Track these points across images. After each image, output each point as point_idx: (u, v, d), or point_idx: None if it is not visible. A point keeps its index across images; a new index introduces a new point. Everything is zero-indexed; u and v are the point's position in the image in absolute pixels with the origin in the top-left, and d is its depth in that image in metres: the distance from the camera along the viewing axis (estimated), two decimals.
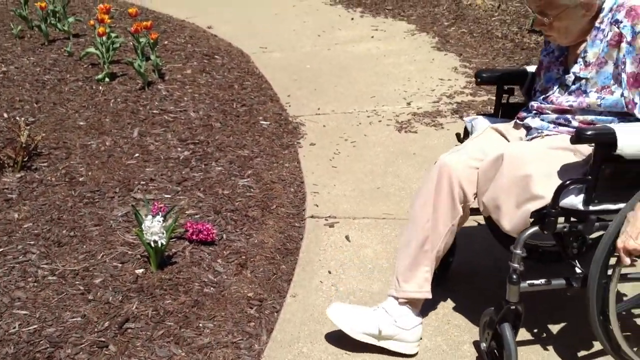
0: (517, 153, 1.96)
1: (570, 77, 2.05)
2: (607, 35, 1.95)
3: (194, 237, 2.73)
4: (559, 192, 1.85)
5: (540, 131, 2.10)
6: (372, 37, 5.57)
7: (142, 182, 3.20)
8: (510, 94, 2.38)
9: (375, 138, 3.80)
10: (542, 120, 2.12)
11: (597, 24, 1.98)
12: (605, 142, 1.79)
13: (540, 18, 2.00)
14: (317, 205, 3.11)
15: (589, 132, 1.80)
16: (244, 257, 2.71)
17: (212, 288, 2.51)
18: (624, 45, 1.90)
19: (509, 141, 2.18)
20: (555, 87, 2.11)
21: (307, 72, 4.81)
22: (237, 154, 3.54)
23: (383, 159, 3.54)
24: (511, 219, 1.93)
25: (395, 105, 4.22)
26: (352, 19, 6.08)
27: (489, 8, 5.94)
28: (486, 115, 2.42)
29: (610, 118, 1.97)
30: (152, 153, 3.50)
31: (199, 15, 6.17)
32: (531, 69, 2.36)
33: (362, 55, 5.12)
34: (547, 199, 1.86)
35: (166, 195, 3.10)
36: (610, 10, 1.96)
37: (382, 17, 6.07)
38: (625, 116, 1.95)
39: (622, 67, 1.91)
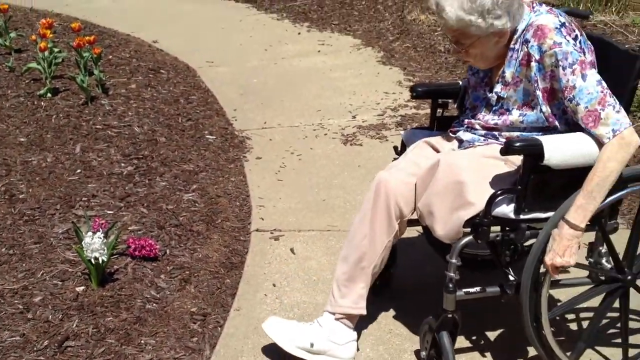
0: (452, 160, 2.02)
1: (493, 97, 2.12)
2: (519, 55, 2.03)
3: (137, 253, 2.71)
4: (491, 202, 1.90)
5: (471, 143, 2.17)
6: (319, 51, 5.62)
7: (84, 199, 3.16)
8: (444, 108, 2.45)
9: (321, 151, 3.83)
10: (473, 134, 2.19)
11: (511, 46, 2.05)
12: (533, 153, 1.86)
13: (455, 47, 2.08)
14: (263, 219, 3.12)
15: (517, 144, 1.88)
16: (187, 272, 2.70)
17: (154, 304, 2.49)
18: (533, 64, 1.98)
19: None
20: (481, 106, 2.19)
21: (253, 86, 4.82)
22: (182, 169, 3.52)
23: (329, 172, 3.57)
24: (444, 224, 1.97)
25: (341, 118, 4.26)
26: (299, 33, 6.12)
27: (432, 23, 6.06)
28: (422, 128, 2.49)
29: (534, 134, 2.03)
30: (95, 169, 3.46)
31: (144, 30, 6.12)
32: (464, 83, 2.42)
33: (308, 69, 5.16)
34: (479, 206, 1.92)
35: (108, 212, 3.07)
36: (523, 31, 2.02)
37: (329, 32, 6.13)
38: (549, 130, 2.03)
39: (536, 84, 2.00)
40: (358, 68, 5.19)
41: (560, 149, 1.87)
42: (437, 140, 2.29)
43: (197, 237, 2.94)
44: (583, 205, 1.85)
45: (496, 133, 2.13)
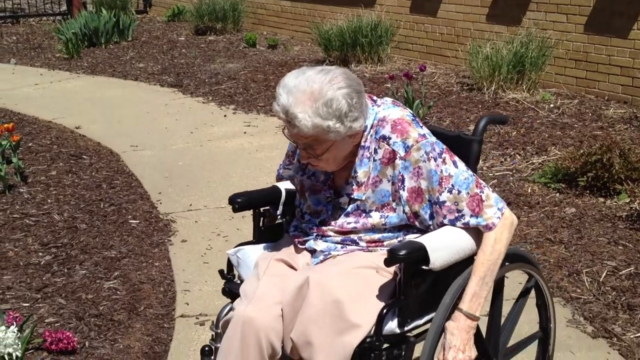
0: (321, 279, 1.82)
1: (344, 200, 1.96)
2: (375, 152, 1.90)
3: (53, 346, 2.58)
4: (382, 320, 1.75)
5: (327, 253, 1.97)
6: (245, 132, 5.66)
7: None
8: (266, 216, 2.20)
9: (248, 232, 3.76)
10: (326, 241, 1.99)
11: (362, 143, 1.92)
12: (418, 259, 1.76)
13: (305, 153, 1.90)
14: (188, 304, 3.03)
15: (401, 253, 1.73)
16: None
17: None
18: (398, 161, 1.87)
19: (297, 270, 1.99)
20: (328, 210, 2.00)
21: (179, 169, 4.79)
22: (104, 256, 3.42)
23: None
24: (328, 355, 1.74)
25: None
26: (225, 116, 6.16)
27: None
28: (248, 243, 2.18)
29: (396, 234, 1.94)
30: (11, 259, 3.32)
31: (67, 116, 6.05)
32: (284, 185, 2.19)
33: (235, 150, 5.18)
34: (366, 327, 1.75)
35: (24, 304, 2.93)
36: (372, 126, 1.91)
37: (254, 114, 6.20)
38: (410, 228, 1.94)
39: (400, 184, 1.88)
40: (284, 148, 5.21)
41: (443, 250, 1.79)
42: (287, 255, 2.02)
43: (118, 327, 2.82)
44: (477, 293, 1.80)
45: (354, 237, 1.96)
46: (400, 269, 1.78)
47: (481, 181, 1.89)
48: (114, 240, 3.61)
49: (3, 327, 2.38)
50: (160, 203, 4.18)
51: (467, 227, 1.87)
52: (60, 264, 3.30)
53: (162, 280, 3.23)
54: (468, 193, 1.84)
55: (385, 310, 1.75)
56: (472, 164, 2.03)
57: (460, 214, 1.85)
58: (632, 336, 2.75)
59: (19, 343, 2.38)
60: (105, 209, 4.01)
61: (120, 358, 2.61)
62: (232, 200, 2.11)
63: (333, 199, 2.00)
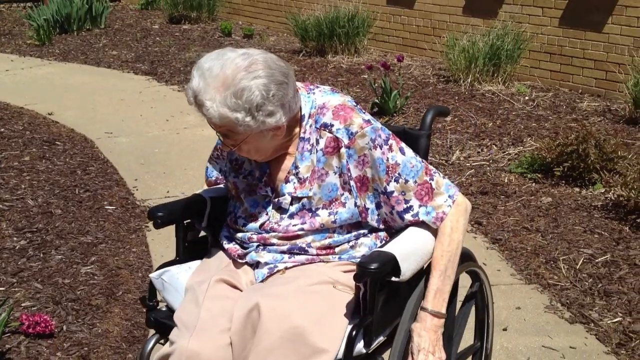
0: (274, 302, 1.60)
1: (285, 199, 1.75)
2: (318, 143, 1.73)
3: (31, 330, 2.53)
4: (352, 343, 1.59)
5: (273, 266, 1.76)
6: None
7: None
8: (190, 229, 1.94)
9: None
10: (270, 251, 1.77)
11: (301, 135, 1.74)
12: (389, 271, 1.62)
13: (225, 141, 1.72)
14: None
15: (373, 266, 1.56)
16: (86, 348, 2.54)
17: None
18: (343, 150, 1.70)
19: (242, 290, 1.75)
20: (267, 212, 1.78)
21: (155, 156, 4.73)
22: (80, 241, 3.36)
23: None
24: None
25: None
26: None
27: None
28: (171, 263, 1.90)
29: (346, 236, 1.76)
30: None
31: (39, 102, 5.94)
32: (208, 193, 1.96)
33: (211, 138, 5.09)
34: (333, 351, 1.58)
35: (0, 288, 2.87)
36: (310, 116, 1.74)
37: None
38: (360, 229, 1.78)
39: (349, 174, 1.71)
40: None
41: (410, 257, 1.65)
42: (227, 273, 1.77)
43: (97, 312, 2.78)
44: (440, 288, 1.67)
45: (302, 244, 1.74)
46: (365, 283, 1.61)
47: (431, 167, 1.76)
48: (90, 225, 3.55)
49: None
50: (137, 190, 4.13)
51: (418, 222, 1.74)
52: (35, 248, 3.24)
53: (140, 266, 3.19)
54: (416, 182, 1.71)
55: (354, 331, 1.59)
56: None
57: (408, 205, 1.72)
58: (608, 322, 2.79)
59: None
60: (81, 194, 3.95)
61: (99, 342, 2.58)
62: (152, 215, 1.83)
63: (271, 197, 1.78)
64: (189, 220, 1.92)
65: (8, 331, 2.54)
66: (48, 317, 2.57)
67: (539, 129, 5.03)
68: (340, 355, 1.59)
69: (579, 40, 5.92)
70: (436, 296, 1.67)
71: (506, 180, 4.21)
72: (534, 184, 4.13)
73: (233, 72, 1.60)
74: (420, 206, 1.72)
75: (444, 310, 1.68)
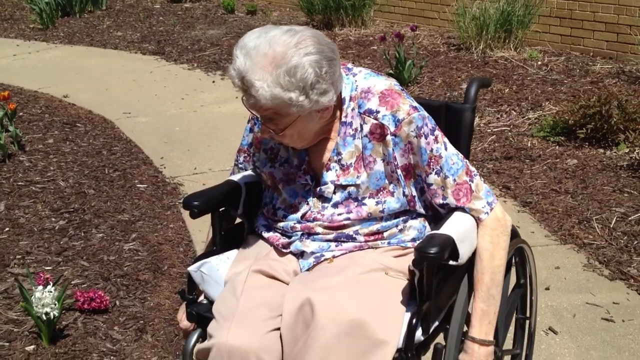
0: (326, 296, 1.52)
1: (328, 188, 1.66)
2: (361, 128, 1.64)
3: (86, 306, 2.57)
4: (413, 332, 1.52)
5: (319, 255, 1.67)
6: (237, 97, 5.61)
7: (17, 256, 2.98)
8: (226, 218, 1.87)
9: None
10: (315, 240, 1.68)
11: (343, 119, 1.64)
12: (448, 255, 1.55)
13: (266, 127, 1.61)
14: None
15: (433, 250, 1.48)
16: (142, 321, 2.58)
17: (112, 357, 2.37)
18: (389, 138, 1.61)
19: (281, 281, 1.67)
20: (308, 202, 1.69)
21: (177, 134, 4.75)
22: (118, 219, 3.40)
23: None
24: None
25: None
26: (214, 82, 6.11)
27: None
28: (209, 255, 1.81)
29: (395, 221, 1.69)
30: (24, 226, 3.28)
31: (52, 85, 5.93)
32: (242, 179, 1.85)
33: (230, 115, 5.14)
34: (393, 342, 1.50)
35: (47, 267, 2.91)
36: (351, 99, 1.64)
37: None
38: (407, 214, 1.71)
39: (395, 162, 1.62)
40: None
41: (465, 240, 1.58)
42: (266, 264, 1.68)
43: (146, 286, 2.82)
44: (485, 311, 1.58)
45: (349, 232, 1.66)
46: (422, 268, 1.54)
47: (472, 169, 1.66)
48: (125, 204, 3.58)
49: (40, 287, 2.36)
50: (165, 167, 4.15)
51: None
52: (75, 228, 3.27)
53: (180, 241, 3.23)
54: (455, 180, 1.62)
55: (414, 319, 1.52)
56: (465, 135, 1.83)
57: (445, 201, 1.65)
58: None
59: (56, 302, 2.36)
60: (111, 174, 3.97)
61: (153, 315, 2.62)
62: (188, 204, 1.74)
63: (311, 187, 1.69)
64: (223, 209, 1.83)
65: (63, 308, 2.57)
66: (102, 293, 2.61)
67: (555, 92, 5.05)
68: (401, 344, 1.53)
69: (589, 3, 5.92)
70: (482, 321, 1.58)
71: (529, 145, 4.24)
72: (557, 147, 4.17)
73: (283, 49, 1.49)
74: (456, 207, 1.64)
75: (491, 337, 1.58)
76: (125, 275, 2.88)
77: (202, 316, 1.71)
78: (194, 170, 4.11)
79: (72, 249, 3.08)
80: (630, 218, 3.29)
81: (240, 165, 1.89)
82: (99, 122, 4.98)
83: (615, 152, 4.02)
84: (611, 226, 3.24)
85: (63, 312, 2.57)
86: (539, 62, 5.81)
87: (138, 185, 3.83)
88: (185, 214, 3.51)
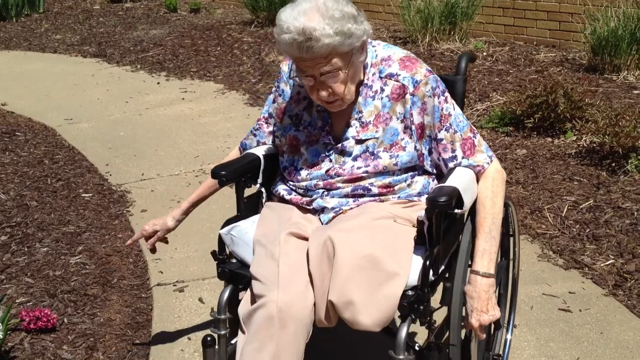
0: (344, 235, 1.73)
1: (349, 143, 1.89)
2: (382, 90, 1.88)
3: (32, 325, 2.46)
4: (427, 272, 1.71)
5: (338, 209, 1.89)
6: (183, 98, 5.50)
7: None
8: (248, 186, 2.06)
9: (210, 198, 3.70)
10: (334, 196, 1.90)
11: (365, 82, 1.90)
12: (454, 203, 1.73)
13: (321, 85, 1.79)
14: (162, 272, 2.95)
15: (443, 199, 1.68)
16: (92, 338, 2.48)
17: None
18: (408, 97, 1.86)
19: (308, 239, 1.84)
20: (330, 158, 1.92)
21: (122, 139, 4.61)
22: (63, 232, 3.27)
23: (220, 216, 3.45)
24: (370, 311, 1.66)
25: (221, 161, 4.16)
26: (158, 83, 5.97)
27: None
28: (234, 219, 2.01)
29: (404, 176, 1.90)
30: None
31: None
32: (259, 152, 2.08)
33: (176, 117, 5.03)
34: (404, 276, 1.69)
35: None
36: (372, 65, 1.90)
37: (189, 79, 6.03)
38: (415, 170, 1.93)
39: (411, 119, 1.87)
40: (227, 112, 5.13)
41: (467, 191, 1.79)
42: (295, 226, 1.84)
43: (95, 301, 2.72)
44: (487, 249, 1.79)
45: (365, 184, 1.88)
46: (432, 215, 1.72)
47: (473, 127, 1.93)
48: (69, 215, 3.45)
49: None
50: (110, 175, 4.03)
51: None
52: (18, 242, 3.14)
53: (130, 252, 3.12)
54: (462, 136, 1.88)
55: (427, 261, 1.71)
56: (458, 103, 2.02)
57: (453, 154, 1.89)
58: (602, 265, 2.87)
59: (0, 324, 2.24)
60: (54, 184, 3.83)
61: (104, 331, 2.52)
62: (216, 174, 1.96)
63: (333, 145, 1.92)
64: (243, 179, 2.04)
65: (8, 329, 2.45)
66: (48, 311, 2.50)
67: (502, 83, 5.09)
68: (416, 282, 1.72)
69: None
70: (484, 257, 1.78)
71: None
72: (506, 138, 4.20)
73: (324, 2, 1.74)
74: (463, 157, 1.89)
75: (492, 271, 1.78)
76: (72, 290, 2.77)
77: (234, 273, 1.91)
78: (142, 176, 4.00)
79: (15, 265, 2.94)
80: (581, 206, 3.32)
81: (255, 132, 2.13)
82: (39, 130, 4.81)
83: (563, 141, 4.06)
84: (563, 215, 3.26)
85: (8, 333, 2.45)
86: (484, 53, 5.85)
87: (83, 195, 3.70)
88: (133, 222, 3.41)
